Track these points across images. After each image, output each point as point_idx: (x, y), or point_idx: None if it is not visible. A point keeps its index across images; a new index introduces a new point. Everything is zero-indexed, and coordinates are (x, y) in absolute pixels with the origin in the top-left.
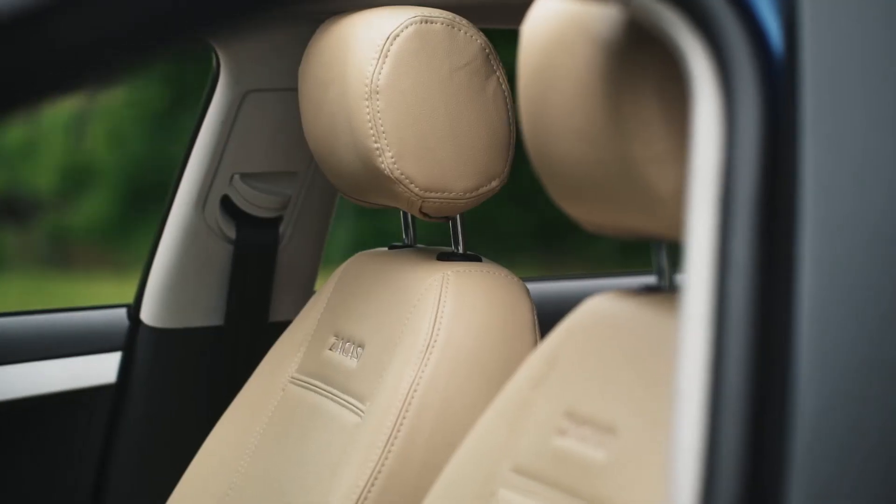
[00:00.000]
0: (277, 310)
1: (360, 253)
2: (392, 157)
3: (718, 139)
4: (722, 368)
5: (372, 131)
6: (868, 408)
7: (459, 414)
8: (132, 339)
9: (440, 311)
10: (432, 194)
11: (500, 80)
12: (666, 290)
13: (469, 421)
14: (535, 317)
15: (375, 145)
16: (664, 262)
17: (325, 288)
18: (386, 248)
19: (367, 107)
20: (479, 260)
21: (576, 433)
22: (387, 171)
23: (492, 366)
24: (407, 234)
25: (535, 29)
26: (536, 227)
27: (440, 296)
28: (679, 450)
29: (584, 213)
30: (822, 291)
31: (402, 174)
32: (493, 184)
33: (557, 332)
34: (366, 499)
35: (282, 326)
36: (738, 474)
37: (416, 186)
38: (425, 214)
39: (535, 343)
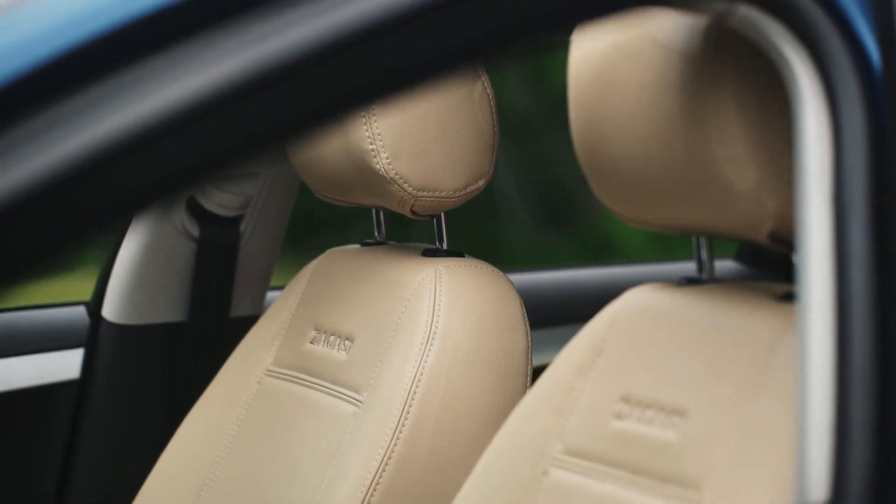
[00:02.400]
0: (238, 305)
1: (331, 250)
2: (387, 158)
3: (827, 143)
4: (848, 353)
5: (367, 133)
6: None
7: (462, 401)
8: (94, 336)
9: (436, 304)
10: (424, 193)
11: (485, 84)
12: (707, 282)
13: (471, 408)
14: (524, 308)
15: (371, 147)
16: (704, 255)
17: (296, 284)
18: (358, 246)
19: None
20: (463, 256)
21: (639, 416)
22: (381, 172)
23: (489, 355)
24: (379, 232)
25: (587, 40)
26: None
27: (435, 290)
28: (808, 430)
29: (646, 213)
30: None
31: (396, 174)
32: (480, 182)
33: (598, 323)
34: (378, 483)
35: (243, 321)
36: (869, 453)
37: (410, 186)
38: (414, 213)
39: (528, 333)
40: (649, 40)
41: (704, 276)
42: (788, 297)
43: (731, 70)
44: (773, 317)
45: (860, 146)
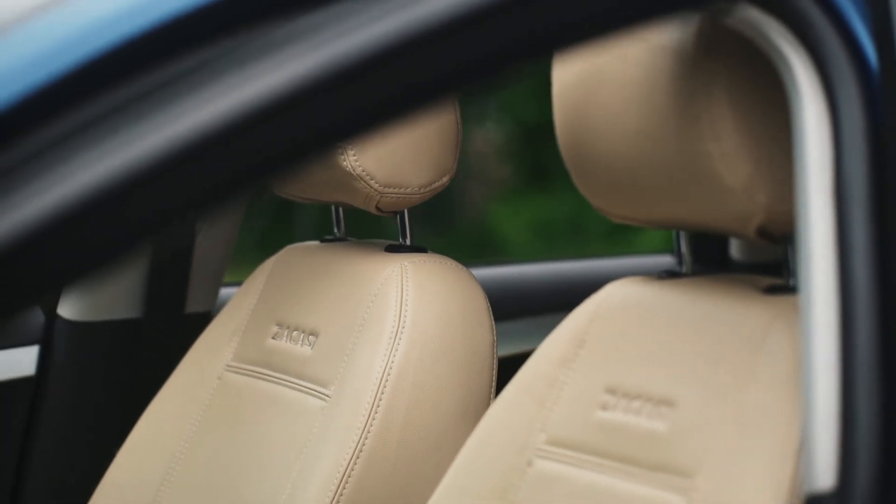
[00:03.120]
0: (192, 302)
1: (290, 246)
2: (354, 155)
3: (827, 140)
4: (852, 343)
5: None
6: None
7: (430, 395)
8: (49, 333)
9: (404, 299)
10: (390, 190)
11: None
12: (687, 275)
13: (439, 401)
14: (488, 302)
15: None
16: (684, 249)
17: (255, 280)
18: (317, 242)
19: None
20: (426, 251)
21: (625, 406)
22: (349, 168)
23: (457, 349)
24: (338, 229)
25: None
26: None
27: (402, 285)
28: (814, 419)
29: (631, 209)
30: None
31: (363, 171)
32: (445, 179)
33: (579, 316)
34: (349, 476)
35: (197, 318)
36: (875, 441)
37: (376, 182)
38: (379, 209)
39: (493, 327)
40: (638, 37)
41: (685, 269)
42: (774, 290)
43: (723, 67)
44: (761, 308)
45: (859, 143)
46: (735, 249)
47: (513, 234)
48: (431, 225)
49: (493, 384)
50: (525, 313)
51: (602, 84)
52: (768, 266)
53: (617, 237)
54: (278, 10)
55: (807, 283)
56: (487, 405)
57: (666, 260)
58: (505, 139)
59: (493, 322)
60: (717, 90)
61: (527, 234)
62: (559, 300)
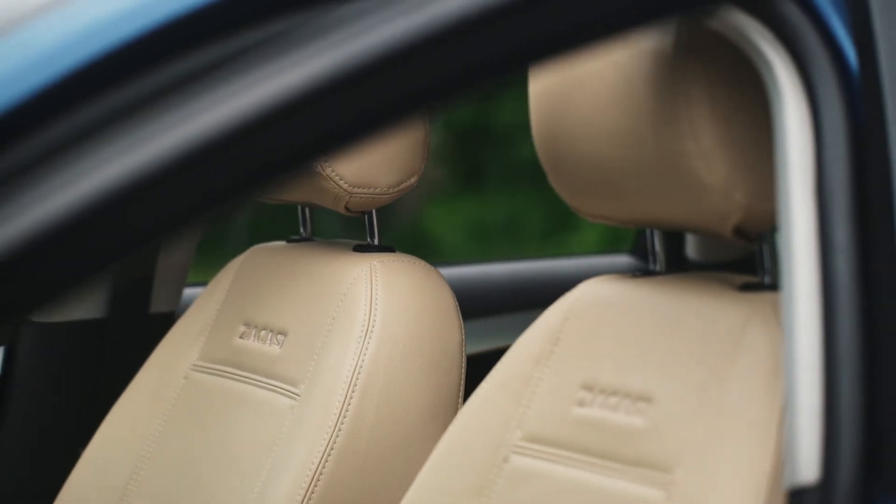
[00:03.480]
0: (156, 302)
1: (256, 247)
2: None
3: (809, 139)
4: (835, 338)
5: None
6: None
7: (401, 393)
8: (13, 334)
9: (373, 298)
10: (359, 190)
11: None
12: (660, 274)
13: (410, 399)
14: (456, 301)
15: None
16: (658, 247)
17: (221, 280)
18: (283, 242)
19: None
20: (394, 251)
21: (602, 402)
22: (318, 169)
23: (426, 347)
24: (305, 228)
25: None
26: None
27: (371, 284)
28: (798, 414)
29: (608, 208)
30: None
31: (332, 171)
32: (413, 179)
33: (553, 313)
34: (321, 473)
35: (161, 318)
36: (858, 435)
37: (346, 183)
38: (347, 209)
39: (461, 326)
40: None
41: (658, 268)
42: (749, 287)
43: (701, 67)
44: (737, 306)
45: (840, 142)
46: (691, 249)
47: (447, 235)
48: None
49: (462, 382)
50: (490, 312)
51: (580, 85)
52: (724, 266)
53: (552, 238)
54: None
55: (789, 279)
56: (457, 403)
57: (623, 259)
58: (439, 142)
59: (462, 321)
60: (695, 91)
61: (461, 235)
62: (523, 299)
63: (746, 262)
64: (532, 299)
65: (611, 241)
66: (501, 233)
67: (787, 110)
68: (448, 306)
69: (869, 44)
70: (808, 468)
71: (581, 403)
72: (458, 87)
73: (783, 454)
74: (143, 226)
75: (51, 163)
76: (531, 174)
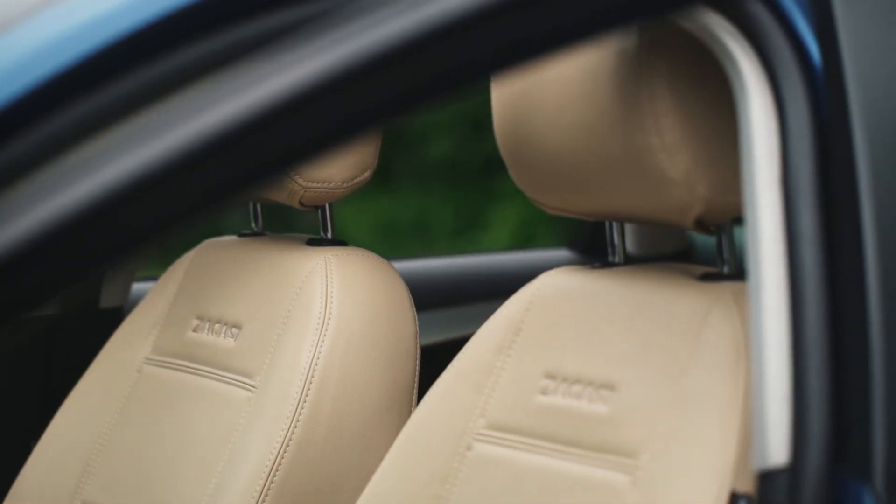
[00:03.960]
0: (105, 297)
1: (208, 241)
2: None
3: (774, 132)
4: (802, 325)
5: None
6: None
7: (357, 384)
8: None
9: (329, 291)
10: (314, 185)
11: None
12: (620, 265)
13: (366, 390)
14: (410, 294)
15: None
16: (617, 240)
17: (172, 274)
18: (236, 237)
19: None
20: (346, 244)
21: (565, 391)
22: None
23: (381, 339)
24: (256, 223)
25: None
26: None
27: (326, 277)
28: (767, 399)
29: (569, 201)
30: (885, 248)
31: None
32: (366, 174)
33: (515, 304)
34: (280, 463)
35: (110, 312)
36: (825, 419)
37: (301, 178)
38: (301, 204)
39: (415, 318)
40: None
41: (617, 259)
42: (708, 277)
43: (665, 62)
44: (698, 295)
45: (805, 136)
46: (631, 243)
47: (357, 234)
48: (274, 226)
49: (417, 373)
50: (438, 305)
51: (544, 81)
52: (663, 259)
53: (462, 237)
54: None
55: (756, 268)
56: (412, 394)
57: (563, 253)
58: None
59: (415, 313)
60: (659, 86)
61: (371, 234)
62: (469, 292)
63: (681, 256)
64: (479, 292)
65: (523, 239)
66: (411, 232)
67: (753, 104)
68: (402, 299)
69: (831, 41)
70: (777, 451)
71: (544, 392)
72: (463, 81)
73: (749, 438)
74: (159, 217)
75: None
76: (441, 173)
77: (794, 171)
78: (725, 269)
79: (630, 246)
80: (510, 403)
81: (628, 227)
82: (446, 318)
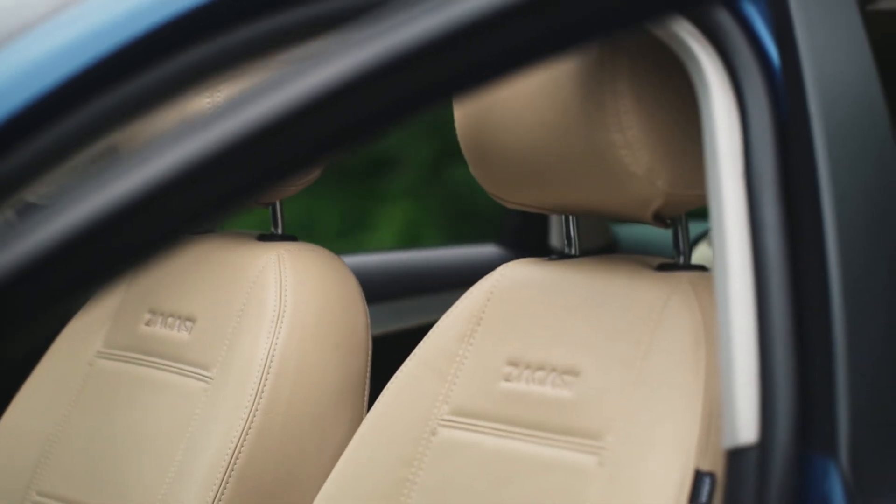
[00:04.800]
0: None
1: None
2: None
3: (736, 129)
4: (767, 311)
5: None
6: (893, 320)
7: (313, 374)
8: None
9: (283, 285)
10: None
11: None
12: (576, 257)
13: (321, 380)
14: (360, 287)
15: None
16: (573, 233)
17: None
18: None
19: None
20: (296, 240)
21: (528, 377)
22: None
23: (334, 331)
24: None
25: None
26: None
27: (280, 272)
28: (736, 381)
29: (529, 195)
30: (844, 236)
31: None
32: (315, 172)
33: (475, 295)
34: (241, 451)
35: None
36: (791, 399)
37: None
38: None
39: (366, 310)
40: None
41: (573, 251)
42: (665, 268)
43: (626, 62)
44: (656, 284)
45: (766, 132)
46: (554, 237)
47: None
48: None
49: (369, 363)
50: (379, 299)
51: None
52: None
53: (347, 238)
54: None
55: (722, 258)
56: (365, 382)
57: (491, 249)
58: None
59: (366, 305)
60: (621, 84)
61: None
62: (403, 287)
63: (605, 250)
64: (415, 287)
65: (409, 239)
66: (296, 232)
67: (716, 103)
68: (353, 292)
69: (789, 43)
70: (746, 430)
71: (507, 378)
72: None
73: (711, 419)
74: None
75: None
76: (326, 174)
77: (757, 166)
78: (681, 260)
79: (556, 242)
80: (474, 390)
81: (555, 224)
82: (385, 311)
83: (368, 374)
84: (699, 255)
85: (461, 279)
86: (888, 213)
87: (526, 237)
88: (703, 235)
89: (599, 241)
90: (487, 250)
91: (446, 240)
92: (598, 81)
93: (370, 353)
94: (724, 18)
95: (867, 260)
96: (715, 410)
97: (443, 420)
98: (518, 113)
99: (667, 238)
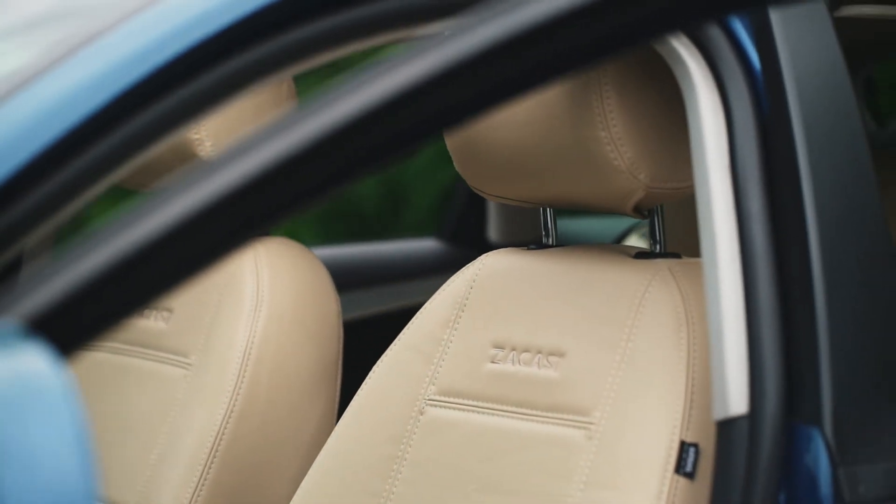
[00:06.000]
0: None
1: None
2: (211, 146)
3: (722, 127)
4: (755, 293)
5: None
6: (870, 300)
7: (290, 360)
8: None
9: (259, 277)
10: None
11: (290, 82)
12: (553, 247)
13: (298, 365)
14: (330, 278)
15: (196, 136)
16: (551, 223)
17: None
18: None
19: None
20: (269, 234)
21: (514, 358)
22: (201, 152)
23: (309, 319)
24: None
25: None
26: None
27: (255, 264)
28: (727, 358)
29: (513, 189)
30: (823, 223)
31: (213, 154)
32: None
33: (458, 283)
34: (224, 433)
35: None
36: (778, 375)
37: None
38: None
39: (337, 299)
40: None
41: (551, 241)
42: (643, 255)
43: (613, 64)
44: (637, 271)
45: (749, 129)
46: (492, 231)
47: None
48: None
49: (341, 348)
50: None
51: None
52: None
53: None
54: None
55: (711, 245)
56: (338, 368)
57: (430, 243)
58: None
59: (337, 295)
60: (607, 84)
61: None
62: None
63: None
64: (360, 279)
65: (284, 234)
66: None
67: (702, 103)
68: (325, 282)
69: (768, 46)
70: (737, 402)
71: (493, 360)
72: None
73: (694, 395)
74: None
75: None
76: None
77: (742, 160)
78: (657, 248)
79: (493, 235)
80: (460, 371)
81: (492, 218)
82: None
83: (341, 361)
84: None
85: (401, 272)
86: (861, 199)
87: (464, 231)
88: (632, 229)
89: (533, 232)
90: (427, 244)
91: (316, 238)
92: (585, 81)
93: (342, 340)
94: (710, 25)
95: (845, 245)
96: (697, 387)
97: (430, 400)
98: (506, 111)
99: (600, 232)
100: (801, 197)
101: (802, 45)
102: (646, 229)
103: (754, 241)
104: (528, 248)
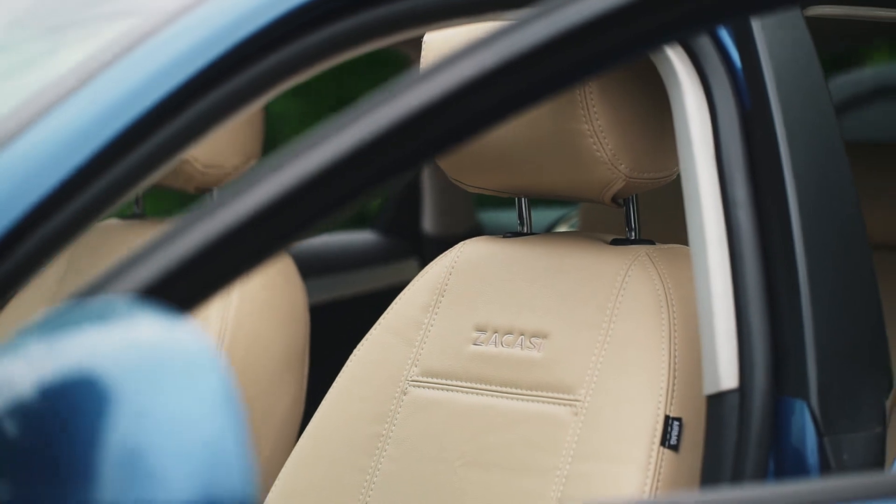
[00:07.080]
0: None
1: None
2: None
3: (706, 120)
4: (742, 275)
5: None
6: (847, 277)
7: (261, 343)
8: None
9: None
10: (211, 170)
11: None
12: (528, 235)
13: (269, 348)
14: (295, 266)
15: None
16: (526, 213)
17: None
18: (117, 220)
19: None
20: None
21: (497, 340)
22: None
23: (280, 304)
24: (139, 206)
25: (439, 36)
26: None
27: None
28: (717, 336)
29: (492, 180)
30: (804, 209)
31: (190, 154)
32: (252, 161)
33: (436, 269)
34: None
35: None
36: (766, 351)
37: (199, 164)
38: (197, 188)
39: (303, 287)
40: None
41: (525, 230)
42: (620, 242)
43: None
44: (615, 256)
45: (732, 121)
46: (427, 224)
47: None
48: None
49: (308, 334)
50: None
51: None
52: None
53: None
54: None
55: (700, 231)
56: (305, 351)
57: (367, 235)
58: None
59: (303, 283)
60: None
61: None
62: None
63: (471, 234)
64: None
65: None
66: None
67: (687, 99)
68: (291, 270)
69: (748, 45)
70: (727, 377)
71: (475, 342)
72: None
73: (677, 373)
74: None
75: None
76: None
77: (726, 151)
78: (633, 235)
79: (428, 227)
80: (443, 353)
81: (427, 211)
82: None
83: (308, 344)
84: None
85: (338, 263)
86: (837, 184)
87: (399, 224)
88: (560, 219)
89: (465, 225)
90: (363, 236)
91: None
92: None
93: (308, 324)
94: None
95: (823, 227)
96: (680, 364)
97: (413, 381)
98: None
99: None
100: (782, 183)
101: (779, 42)
102: (574, 219)
103: (740, 226)
104: (505, 237)
